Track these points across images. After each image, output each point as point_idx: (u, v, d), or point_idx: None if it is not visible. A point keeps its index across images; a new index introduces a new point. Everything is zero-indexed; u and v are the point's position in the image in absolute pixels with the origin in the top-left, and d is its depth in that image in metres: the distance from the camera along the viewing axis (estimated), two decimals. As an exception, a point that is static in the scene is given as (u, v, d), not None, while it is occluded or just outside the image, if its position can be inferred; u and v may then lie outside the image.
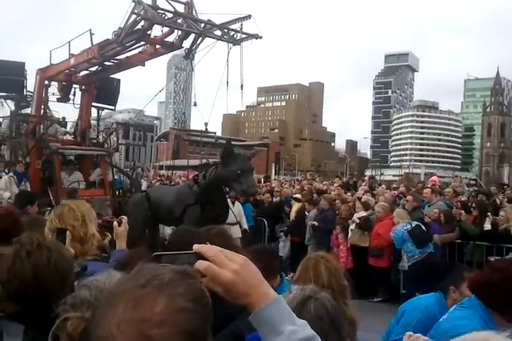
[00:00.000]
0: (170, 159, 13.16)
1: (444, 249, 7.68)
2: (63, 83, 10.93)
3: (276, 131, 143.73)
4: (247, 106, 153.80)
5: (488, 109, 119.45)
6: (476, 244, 7.47)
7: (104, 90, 11.20)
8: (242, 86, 9.95)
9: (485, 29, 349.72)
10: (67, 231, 2.45)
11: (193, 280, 0.87)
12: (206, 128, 11.82)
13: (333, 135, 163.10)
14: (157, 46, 9.11)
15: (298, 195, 10.42)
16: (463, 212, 7.69)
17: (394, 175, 71.01)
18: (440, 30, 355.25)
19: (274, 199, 10.80)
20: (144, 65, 9.84)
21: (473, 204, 7.86)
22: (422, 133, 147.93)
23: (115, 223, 2.52)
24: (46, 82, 10.73)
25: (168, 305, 0.78)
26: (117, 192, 11.74)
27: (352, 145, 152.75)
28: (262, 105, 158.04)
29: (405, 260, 7.52)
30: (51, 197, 9.30)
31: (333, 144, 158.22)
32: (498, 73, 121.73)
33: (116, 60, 10.03)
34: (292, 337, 0.95)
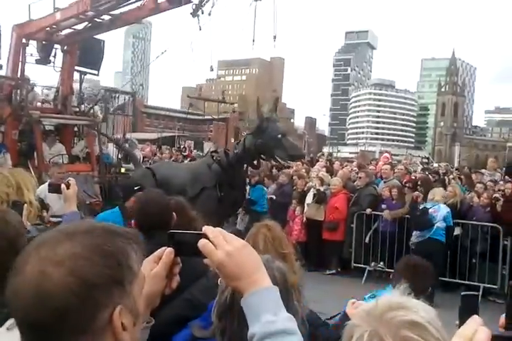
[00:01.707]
0: (127, 132, 12.83)
1: (394, 224, 8.01)
2: (43, 42, 9.62)
3: (236, 105, 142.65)
4: (206, 80, 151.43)
5: (442, 89, 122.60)
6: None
7: (88, 52, 9.99)
8: (274, 37, 9.37)
9: (443, 10, 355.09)
10: None
11: (121, 238, 0.88)
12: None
13: (292, 111, 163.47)
14: (160, 0, 7.95)
15: None
16: (421, 195, 7.91)
17: (350, 153, 72.43)
18: (399, 9, 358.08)
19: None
20: (140, 23, 8.83)
21: (419, 182, 8.15)
22: (379, 111, 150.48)
23: (63, 185, 2.45)
24: (24, 41, 9.51)
25: (70, 250, 0.81)
26: (106, 169, 10.38)
27: (311, 122, 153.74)
28: (222, 79, 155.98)
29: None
30: (32, 172, 8.44)
31: (292, 120, 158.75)
32: (453, 54, 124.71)
33: (110, 15, 8.81)
34: (267, 326, 0.97)
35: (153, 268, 1.10)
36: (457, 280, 7.50)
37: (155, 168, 7.37)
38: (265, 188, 9.47)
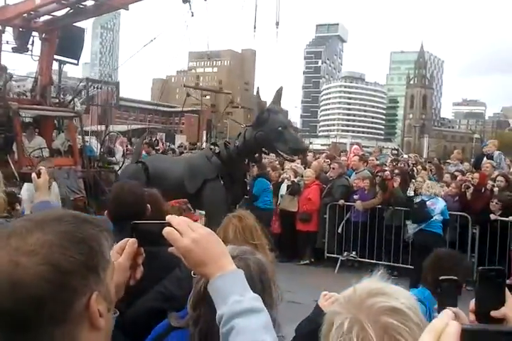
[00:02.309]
0: (96, 124, 12.45)
1: (365, 214, 8.12)
2: (20, 29, 9.14)
3: (207, 97, 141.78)
4: (177, 71, 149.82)
5: (411, 82, 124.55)
6: (395, 209, 7.97)
7: (68, 40, 9.42)
8: (277, 23, 9.22)
9: (412, 3, 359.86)
10: None
11: (91, 225, 0.88)
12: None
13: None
14: None
15: None
16: (398, 179, 8.04)
17: (322, 145, 73.09)
18: (369, 3, 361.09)
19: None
20: (127, 9, 8.25)
21: (396, 171, 8.29)
22: (349, 103, 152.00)
23: (33, 174, 2.36)
24: (0, 27, 9.02)
25: (42, 238, 0.80)
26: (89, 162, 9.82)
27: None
28: (193, 70, 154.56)
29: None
30: (12, 168, 7.83)
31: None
32: (422, 47, 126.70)
33: (95, 0, 8.35)
34: (235, 305, 0.99)
35: (116, 259, 1.09)
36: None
37: (148, 161, 6.91)
38: (268, 181, 8.57)
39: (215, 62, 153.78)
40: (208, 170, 6.18)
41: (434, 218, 7.06)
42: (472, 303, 1.07)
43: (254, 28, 9.44)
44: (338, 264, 8.21)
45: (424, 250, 6.83)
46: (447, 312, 0.89)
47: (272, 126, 5.82)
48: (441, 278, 1.73)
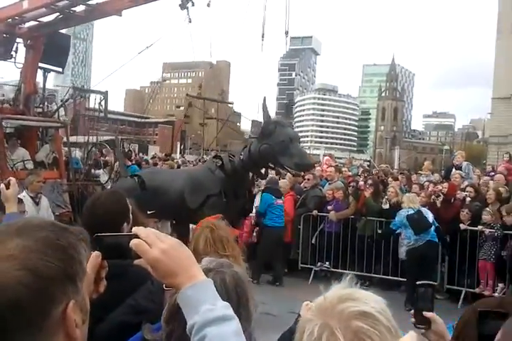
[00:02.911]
0: (67, 135, 12.06)
1: (339, 225, 8.19)
2: (4, 35, 8.78)
3: (182, 108, 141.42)
4: (151, 82, 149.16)
5: (383, 94, 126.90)
6: (367, 219, 8.06)
7: (53, 48, 9.04)
8: (286, 32, 9.06)
9: (383, 18, 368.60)
10: None
11: (71, 234, 0.87)
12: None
13: (239, 115, 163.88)
14: None
15: None
16: (370, 189, 8.15)
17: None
18: (342, 16, 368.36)
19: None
20: (120, 15, 7.88)
21: (369, 182, 8.42)
22: (323, 115, 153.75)
23: (2, 185, 2.29)
24: None
25: (21, 243, 0.80)
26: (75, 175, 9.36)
27: (257, 125, 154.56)
28: (167, 81, 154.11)
29: (404, 246, 7.36)
30: None
31: (239, 124, 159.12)
32: (393, 60, 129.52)
33: (88, 5, 8.04)
34: (206, 314, 1.00)
35: None
36: (398, 278, 7.76)
37: (144, 175, 6.45)
38: (274, 196, 7.88)
39: (189, 73, 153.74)
40: (212, 184, 5.83)
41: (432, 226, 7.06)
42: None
43: (263, 36, 9.35)
44: (312, 275, 8.23)
45: (422, 261, 6.92)
46: (412, 335, 0.96)
47: (277, 139, 5.55)
48: (418, 282, 1.75)
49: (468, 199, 7.77)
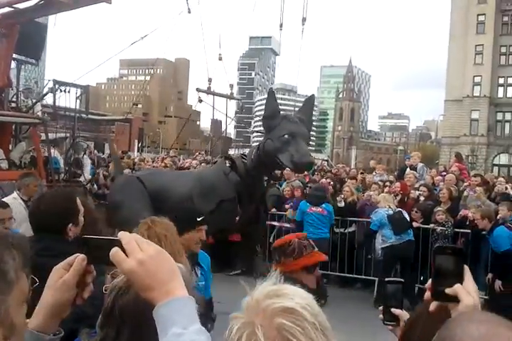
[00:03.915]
0: (46, 132, 11.30)
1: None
2: None
3: (139, 106, 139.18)
4: (107, 79, 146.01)
5: (340, 95, 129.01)
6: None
7: (28, 38, 8.33)
8: (304, 19, 8.91)
9: (340, 20, 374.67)
10: None
11: (3, 246, 0.82)
12: None
13: (198, 113, 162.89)
14: None
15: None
16: (330, 188, 8.26)
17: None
18: (299, 17, 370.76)
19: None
20: (110, 3, 7.32)
21: (329, 181, 8.55)
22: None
23: None
24: None
25: None
26: (56, 176, 8.72)
27: (216, 124, 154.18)
28: (124, 78, 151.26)
29: (378, 245, 7.30)
30: None
31: (198, 123, 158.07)
32: (350, 62, 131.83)
33: None
34: (173, 339, 0.91)
35: (62, 276, 1.02)
36: (354, 276, 7.90)
37: (145, 177, 5.81)
38: (308, 204, 7.30)
39: (147, 71, 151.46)
40: (226, 188, 5.38)
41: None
42: (429, 281, 1.10)
43: (281, 26, 9.01)
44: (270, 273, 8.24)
45: (401, 259, 7.07)
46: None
47: (278, 134, 5.12)
48: (386, 279, 1.77)
49: (422, 198, 8.00)
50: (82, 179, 9.47)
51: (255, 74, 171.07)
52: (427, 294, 1.11)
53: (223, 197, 5.29)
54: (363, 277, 7.93)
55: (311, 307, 0.96)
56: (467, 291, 1.07)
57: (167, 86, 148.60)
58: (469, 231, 7.15)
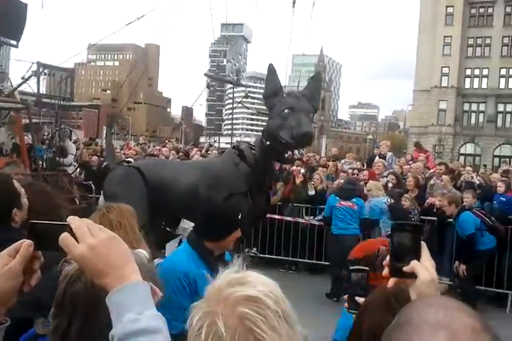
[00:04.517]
0: (29, 117, 10.81)
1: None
2: None
3: (108, 92, 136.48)
4: (75, 64, 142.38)
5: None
6: (294, 206, 8.22)
7: (8, 17, 7.77)
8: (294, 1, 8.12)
9: (312, 8, 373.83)
10: None
11: None
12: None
13: (169, 100, 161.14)
14: None
15: (130, 159, 10.28)
16: (301, 175, 8.28)
17: (226, 143, 73.52)
18: (272, 7, 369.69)
19: (105, 163, 10.44)
20: None
21: (300, 169, 8.58)
22: (253, 103, 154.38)
23: None
24: None
25: None
26: (41, 164, 8.26)
27: (188, 111, 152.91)
28: (92, 63, 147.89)
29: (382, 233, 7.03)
30: None
31: (168, 110, 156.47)
32: (321, 51, 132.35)
33: None
34: (128, 325, 0.89)
35: (8, 263, 0.97)
36: (323, 263, 7.99)
37: (144, 166, 5.32)
38: (337, 198, 6.99)
39: (116, 56, 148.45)
40: (237, 180, 4.95)
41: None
42: (387, 258, 1.11)
43: (294, 3, 8.71)
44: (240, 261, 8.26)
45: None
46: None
47: (277, 110, 4.76)
48: (351, 268, 1.76)
49: (390, 185, 8.12)
50: (69, 168, 9.16)
51: (227, 62, 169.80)
52: (386, 271, 1.11)
53: (233, 189, 4.83)
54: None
55: (275, 295, 0.94)
56: (424, 267, 1.07)
57: (137, 71, 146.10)
58: (435, 218, 7.30)
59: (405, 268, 1.07)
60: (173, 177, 5.11)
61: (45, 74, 9.02)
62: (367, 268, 1.74)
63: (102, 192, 5.70)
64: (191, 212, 4.94)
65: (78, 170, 9.69)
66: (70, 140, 10.58)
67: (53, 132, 9.54)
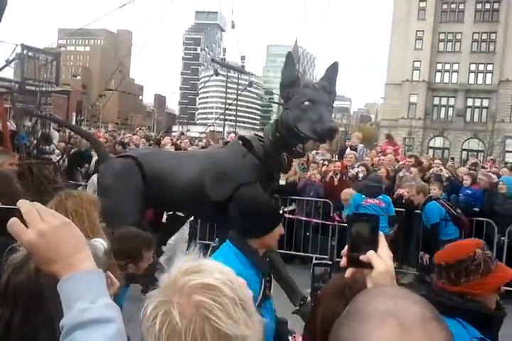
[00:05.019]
0: (13, 102, 10.30)
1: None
2: None
3: (78, 78, 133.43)
4: (44, 48, 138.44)
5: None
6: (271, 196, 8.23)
7: None
8: None
9: (293, 3, 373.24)
10: None
11: None
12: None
13: (141, 88, 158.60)
14: None
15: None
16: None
17: (200, 132, 72.95)
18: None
19: (72, 151, 10.21)
20: None
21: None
22: (227, 92, 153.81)
23: None
24: None
25: None
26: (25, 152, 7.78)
27: (160, 99, 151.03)
28: (63, 48, 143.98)
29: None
30: None
31: (141, 97, 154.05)
32: (296, 42, 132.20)
33: None
34: (80, 315, 0.86)
35: None
36: (292, 252, 8.06)
37: (140, 156, 5.06)
38: (363, 196, 6.80)
39: (87, 41, 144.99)
40: (246, 171, 4.79)
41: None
42: (345, 248, 1.12)
43: None
44: (210, 251, 8.25)
45: None
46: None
47: (296, 102, 4.55)
48: (314, 262, 1.77)
49: (361, 175, 8.23)
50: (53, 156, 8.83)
51: (201, 50, 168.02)
52: (343, 261, 1.12)
53: (243, 180, 4.73)
54: (302, 254, 8.11)
55: (232, 282, 0.93)
56: (381, 257, 1.08)
57: (108, 58, 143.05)
58: (404, 209, 7.44)
59: (362, 258, 1.08)
60: (174, 169, 4.91)
61: (29, 56, 8.59)
62: (330, 263, 1.74)
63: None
64: (194, 204, 4.85)
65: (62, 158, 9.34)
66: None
67: (36, 119, 9.04)
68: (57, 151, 9.56)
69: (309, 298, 1.65)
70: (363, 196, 6.81)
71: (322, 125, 4.42)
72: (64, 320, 0.87)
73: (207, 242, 8.36)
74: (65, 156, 9.23)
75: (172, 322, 0.86)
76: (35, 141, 8.47)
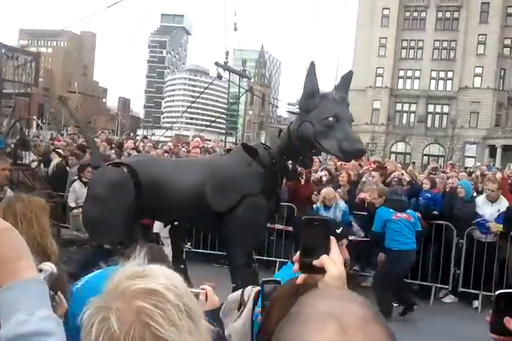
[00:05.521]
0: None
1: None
2: None
3: (40, 79, 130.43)
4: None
5: (252, 80, 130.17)
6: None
7: None
8: None
9: (260, 7, 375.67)
10: None
11: None
12: None
13: (105, 90, 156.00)
14: None
15: (59, 149, 10.17)
16: None
17: (165, 136, 72.30)
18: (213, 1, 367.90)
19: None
20: None
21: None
22: (193, 96, 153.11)
23: None
24: None
25: None
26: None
27: (124, 102, 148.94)
28: (25, 49, 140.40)
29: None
30: None
31: (104, 100, 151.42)
32: (262, 47, 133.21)
33: None
34: (17, 328, 0.80)
35: None
36: (256, 256, 8.02)
37: (135, 164, 4.81)
38: (392, 210, 6.37)
39: (50, 43, 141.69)
40: (251, 181, 4.61)
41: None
42: (297, 253, 1.10)
43: None
44: (183, 256, 8.16)
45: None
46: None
47: (320, 116, 4.36)
48: (263, 279, 1.75)
49: (324, 178, 8.29)
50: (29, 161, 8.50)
51: (166, 53, 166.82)
52: (296, 266, 1.10)
53: (247, 191, 4.57)
54: (265, 258, 8.09)
55: (177, 288, 0.90)
56: (333, 262, 1.06)
57: (72, 60, 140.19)
58: (366, 213, 7.52)
59: (315, 262, 1.06)
60: (172, 177, 4.71)
61: (7, 56, 8.22)
62: (279, 280, 1.73)
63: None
64: (195, 214, 4.70)
65: (41, 164, 9.00)
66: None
67: (13, 122, 8.84)
68: (34, 157, 9.28)
69: (259, 317, 1.62)
70: (391, 210, 6.39)
71: (350, 145, 4.28)
72: (1, 332, 0.81)
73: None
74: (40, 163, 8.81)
75: (110, 330, 0.82)
76: (12, 145, 8.14)
